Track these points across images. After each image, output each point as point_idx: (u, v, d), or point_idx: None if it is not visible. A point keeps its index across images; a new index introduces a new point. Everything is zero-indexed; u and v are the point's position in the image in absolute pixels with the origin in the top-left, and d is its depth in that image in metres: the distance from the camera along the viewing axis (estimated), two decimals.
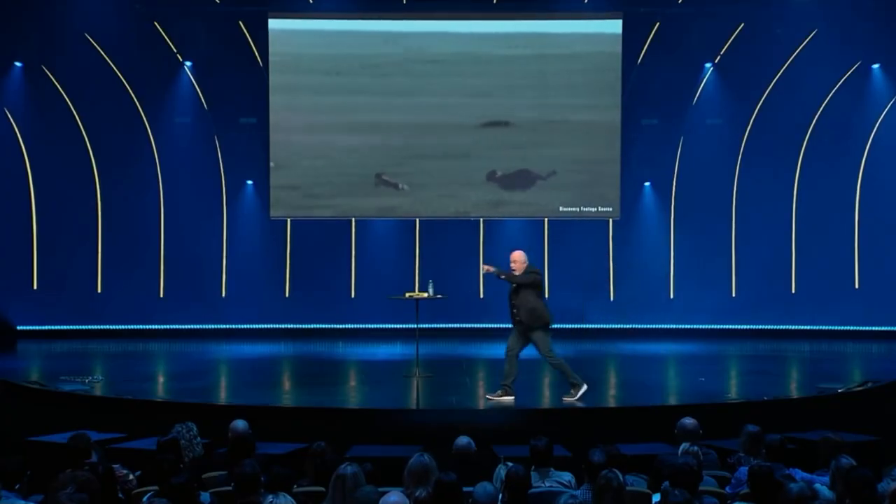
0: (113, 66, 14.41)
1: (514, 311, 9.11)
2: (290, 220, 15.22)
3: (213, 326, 14.93)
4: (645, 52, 14.65)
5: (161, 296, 15.05)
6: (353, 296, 15.21)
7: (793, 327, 14.95)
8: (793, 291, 15.11)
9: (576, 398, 9.01)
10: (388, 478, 5.49)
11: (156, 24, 14.40)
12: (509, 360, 9.09)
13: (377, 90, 14.52)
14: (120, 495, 5.45)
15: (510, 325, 9.27)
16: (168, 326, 14.93)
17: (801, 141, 14.83)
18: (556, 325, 15.08)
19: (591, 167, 14.61)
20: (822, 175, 14.77)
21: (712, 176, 14.96)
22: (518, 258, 9.19)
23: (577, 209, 14.73)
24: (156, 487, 5.30)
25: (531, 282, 9.03)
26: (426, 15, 14.56)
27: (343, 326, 15.11)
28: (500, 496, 5.07)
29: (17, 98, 14.40)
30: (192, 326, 14.86)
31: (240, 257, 15.15)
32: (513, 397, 9.04)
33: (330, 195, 14.69)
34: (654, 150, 14.98)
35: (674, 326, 15.00)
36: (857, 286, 14.93)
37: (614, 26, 14.34)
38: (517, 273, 9.12)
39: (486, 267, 9.41)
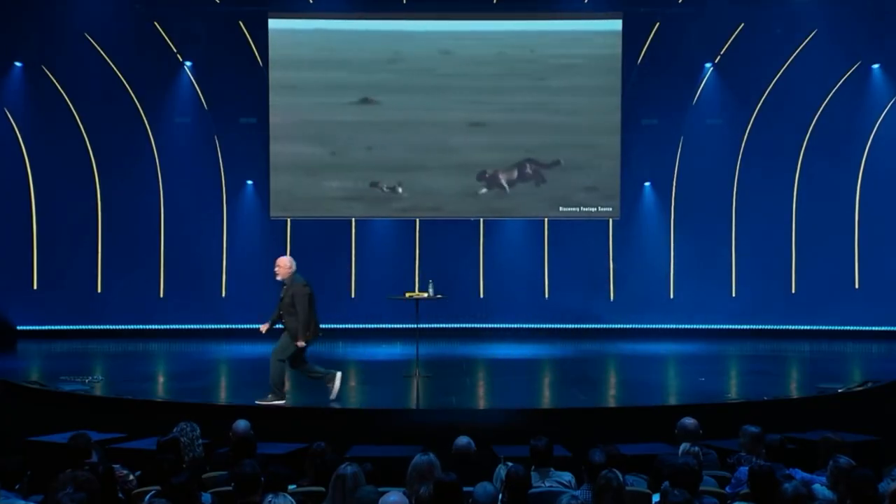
0: (113, 66, 14.41)
1: (283, 317, 9.04)
2: (290, 220, 15.22)
3: (213, 326, 14.92)
4: (645, 52, 14.65)
5: (161, 296, 15.06)
6: (353, 296, 15.23)
7: (793, 327, 14.95)
8: (793, 291, 15.11)
9: (266, 401, 8.85)
10: (388, 478, 5.50)
11: (156, 24, 14.41)
12: (274, 364, 9.01)
13: (377, 90, 14.52)
14: (120, 495, 5.45)
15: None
16: (168, 326, 14.92)
17: (801, 141, 14.83)
18: (556, 326, 15.23)
19: (591, 167, 14.62)
20: (822, 175, 14.76)
21: (712, 176, 14.96)
22: (282, 264, 9.09)
23: (577, 209, 14.74)
24: (156, 487, 5.30)
25: (308, 304, 8.93)
26: (426, 15, 14.55)
27: (343, 326, 15.11)
28: (500, 496, 5.07)
29: (17, 98, 14.40)
30: (192, 326, 14.86)
31: (240, 257, 15.14)
32: (284, 401, 8.94)
33: (330, 194, 14.69)
34: (654, 150, 14.97)
35: (674, 326, 15.00)
36: (857, 286, 14.93)
37: (614, 26, 14.34)
38: (281, 277, 9.02)
39: (264, 326, 9.18)
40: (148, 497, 5.02)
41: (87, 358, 12.84)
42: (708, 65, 14.86)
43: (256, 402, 8.91)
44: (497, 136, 14.56)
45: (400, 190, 14.63)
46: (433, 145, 14.60)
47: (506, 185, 14.59)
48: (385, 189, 14.59)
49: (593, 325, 15.02)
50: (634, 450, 7.04)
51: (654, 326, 15.03)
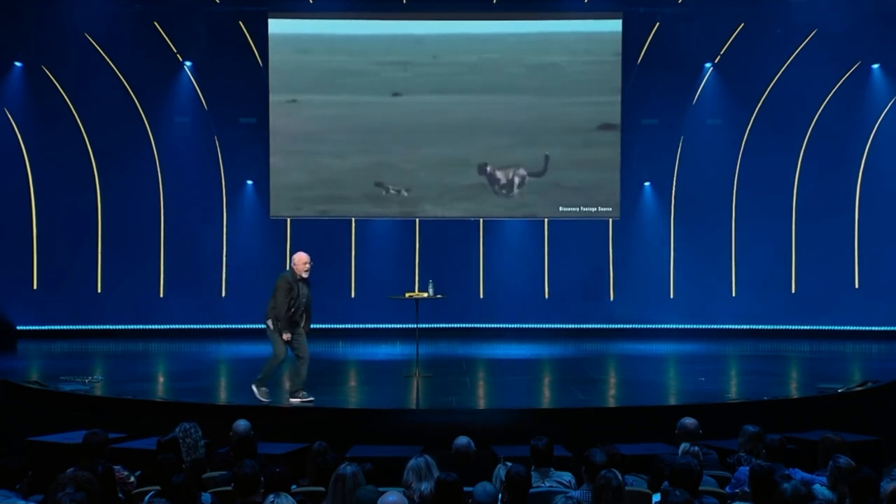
0: (113, 66, 14.41)
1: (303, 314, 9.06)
2: (290, 220, 15.22)
3: (213, 326, 14.92)
4: (645, 52, 14.65)
5: (161, 296, 15.06)
6: (353, 296, 15.23)
7: (793, 327, 14.94)
8: (793, 291, 15.11)
9: (257, 395, 9.01)
10: (388, 478, 5.50)
11: (156, 24, 14.40)
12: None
13: (377, 90, 14.52)
14: (120, 495, 5.45)
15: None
16: (168, 326, 14.92)
17: (801, 141, 14.83)
18: (556, 326, 15.27)
19: (591, 167, 14.61)
20: (821, 175, 14.77)
21: (712, 176, 14.96)
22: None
23: (577, 209, 14.73)
24: (156, 487, 5.30)
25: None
26: (426, 15, 14.55)
27: (343, 326, 15.11)
28: (500, 496, 5.07)
29: (17, 98, 14.40)
30: (192, 326, 14.86)
31: (240, 257, 15.14)
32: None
33: (330, 195, 14.68)
34: (654, 150, 14.97)
35: (674, 326, 14.99)
36: (857, 286, 14.93)
37: (614, 26, 14.34)
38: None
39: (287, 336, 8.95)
40: (148, 497, 5.02)
41: (87, 358, 12.85)
42: (708, 65, 14.86)
43: (292, 400, 9.01)
44: (498, 136, 14.55)
45: (405, 193, 14.62)
46: (434, 145, 14.59)
47: (505, 184, 14.59)
48: (391, 191, 14.58)
49: (593, 325, 15.02)
50: (634, 450, 7.05)
51: (654, 326, 15.03)
